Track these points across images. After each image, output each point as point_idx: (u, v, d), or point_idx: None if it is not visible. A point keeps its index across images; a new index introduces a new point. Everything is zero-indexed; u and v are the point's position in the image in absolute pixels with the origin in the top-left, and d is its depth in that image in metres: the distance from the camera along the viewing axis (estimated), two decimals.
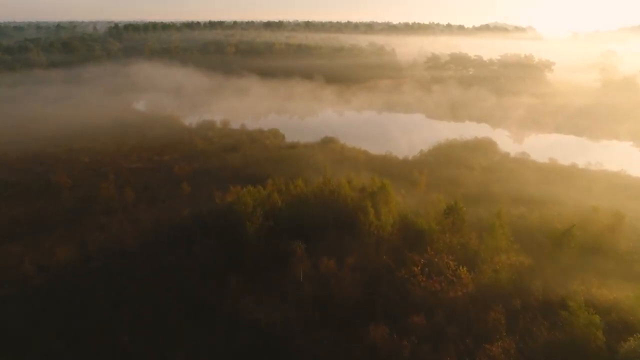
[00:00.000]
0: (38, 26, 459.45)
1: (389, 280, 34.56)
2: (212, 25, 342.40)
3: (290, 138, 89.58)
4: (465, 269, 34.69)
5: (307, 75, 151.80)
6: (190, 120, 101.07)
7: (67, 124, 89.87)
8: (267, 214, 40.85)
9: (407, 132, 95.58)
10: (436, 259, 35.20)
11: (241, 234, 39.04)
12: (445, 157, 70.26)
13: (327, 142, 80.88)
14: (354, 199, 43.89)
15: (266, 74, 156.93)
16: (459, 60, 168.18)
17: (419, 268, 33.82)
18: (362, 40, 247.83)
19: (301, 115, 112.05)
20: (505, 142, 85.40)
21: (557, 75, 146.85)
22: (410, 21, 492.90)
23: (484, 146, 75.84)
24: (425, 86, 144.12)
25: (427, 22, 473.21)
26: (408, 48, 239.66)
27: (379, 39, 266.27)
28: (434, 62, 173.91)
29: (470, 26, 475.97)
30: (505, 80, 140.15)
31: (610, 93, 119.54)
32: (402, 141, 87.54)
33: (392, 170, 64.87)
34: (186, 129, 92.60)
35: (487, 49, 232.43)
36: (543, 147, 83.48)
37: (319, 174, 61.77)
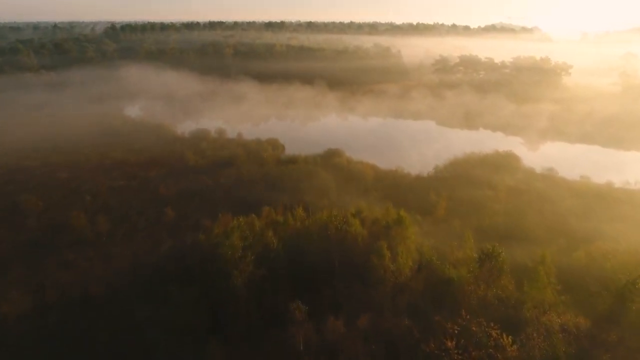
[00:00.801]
0: (36, 27, 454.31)
1: (413, 355, 27.25)
2: (212, 25, 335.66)
3: (290, 149, 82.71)
4: (509, 338, 27.36)
5: (309, 79, 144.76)
6: (183, 128, 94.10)
7: (48, 133, 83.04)
8: (260, 258, 33.62)
9: (417, 142, 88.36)
10: (473, 326, 27.83)
11: (228, 285, 31.85)
12: (464, 174, 62.90)
13: (331, 156, 73.69)
14: (365, 237, 36.66)
15: (265, 77, 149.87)
16: (468, 63, 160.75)
17: (453, 342, 26.45)
18: (366, 41, 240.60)
19: (302, 123, 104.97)
20: (528, 154, 78.06)
21: (575, 79, 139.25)
22: (414, 21, 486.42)
23: (505, 161, 68.46)
24: (435, 91, 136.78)
25: (431, 23, 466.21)
26: (414, 49, 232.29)
27: (384, 40, 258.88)
28: (442, 65, 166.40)
29: (476, 27, 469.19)
30: (520, 85, 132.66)
31: (634, 99, 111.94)
32: (413, 153, 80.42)
33: (404, 191, 57.69)
34: (178, 140, 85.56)
35: (497, 50, 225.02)
36: (570, 160, 76.26)
37: (322, 197, 54.89)
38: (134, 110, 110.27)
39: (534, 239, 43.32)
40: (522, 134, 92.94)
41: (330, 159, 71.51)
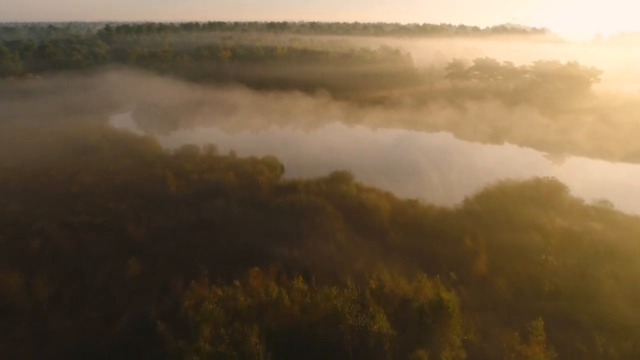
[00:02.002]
0: (32, 27, 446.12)
1: None
2: (211, 26, 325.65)
3: (291, 169, 72.41)
4: None
5: (312, 85, 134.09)
6: (169, 144, 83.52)
7: (7, 152, 72.54)
8: None
9: (437, 160, 77.34)
10: None
11: None
12: (501, 209, 51.95)
13: (338, 181, 62.96)
14: (392, 336, 25.86)
15: (264, 84, 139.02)
16: (485, 67, 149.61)
17: None
18: (373, 43, 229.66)
19: (304, 136, 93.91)
20: (568, 178, 66.86)
21: (603, 86, 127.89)
22: (419, 22, 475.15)
23: (549, 191, 57.36)
24: (450, 99, 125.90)
25: (437, 23, 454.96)
26: (423, 52, 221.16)
27: (391, 42, 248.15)
28: (456, 69, 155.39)
29: (483, 27, 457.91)
30: (546, 93, 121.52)
31: None
32: (433, 174, 69.54)
33: (430, 234, 46.85)
34: (161, 158, 74.91)
35: (511, 53, 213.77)
36: (620, 186, 65.15)
37: (328, 243, 44.19)
38: (114, 123, 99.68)
39: (618, 322, 32.22)
40: (556, 151, 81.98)
41: (337, 186, 60.74)
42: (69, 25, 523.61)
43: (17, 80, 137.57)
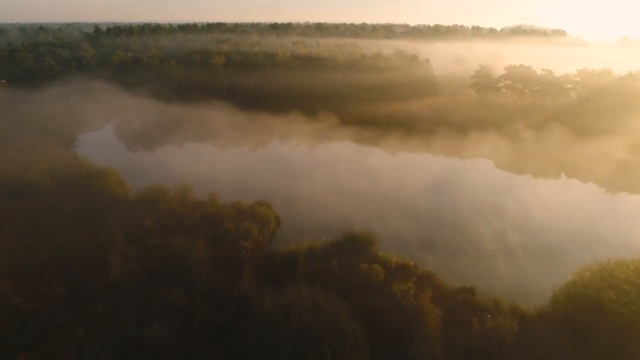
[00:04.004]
0: (23, 28, 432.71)
1: None
2: (209, 27, 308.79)
3: (288, 223, 54.86)
4: None
5: (317, 99, 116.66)
6: (134, 180, 66.14)
7: None
8: None
9: (493, 214, 58.81)
10: None
11: None
12: (608, 310, 33.80)
13: (353, 247, 45.33)
14: None
15: (260, 100, 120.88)
16: (518, 76, 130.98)
17: None
18: (385, 47, 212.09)
19: (307, 172, 74.22)
20: None
21: None
22: (427, 22, 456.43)
23: None
24: (480, 114, 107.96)
25: (449, 24, 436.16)
26: (440, 56, 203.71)
27: (404, 45, 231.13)
28: (483, 78, 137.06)
29: (499, 28, 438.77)
30: (598, 108, 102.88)
31: None
32: (489, 240, 51.18)
33: None
34: (118, 204, 57.39)
35: (538, 57, 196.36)
36: None
37: None
38: (72, 151, 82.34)
39: None
40: (635, 190, 63.79)
41: (354, 261, 42.98)
42: (66, 26, 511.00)
43: None
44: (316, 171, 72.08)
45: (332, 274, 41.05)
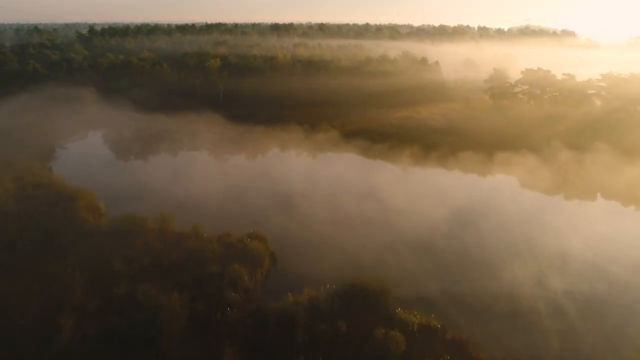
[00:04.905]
0: (19, 28, 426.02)
1: None
2: (208, 28, 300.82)
3: (285, 260, 46.88)
4: None
5: (320, 109, 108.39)
6: (110, 204, 58.15)
7: None
8: None
9: (520, 242, 50.63)
10: None
11: None
12: None
13: (362, 296, 37.25)
14: None
15: (257, 108, 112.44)
16: (536, 81, 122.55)
17: None
18: (390, 48, 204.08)
19: (307, 194, 63.72)
20: None
21: None
22: (430, 23, 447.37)
23: None
24: (500, 124, 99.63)
25: (454, 25, 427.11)
26: (448, 58, 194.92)
27: (410, 46, 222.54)
28: (498, 82, 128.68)
29: (506, 29, 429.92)
30: (630, 118, 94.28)
31: None
32: (524, 279, 42.86)
33: None
34: (85, 240, 49.23)
35: (551, 59, 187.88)
36: None
37: None
38: (47, 166, 74.34)
39: None
40: None
41: (362, 316, 34.86)
42: (65, 27, 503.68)
43: None
44: (317, 194, 63.57)
45: (339, 341, 32.81)
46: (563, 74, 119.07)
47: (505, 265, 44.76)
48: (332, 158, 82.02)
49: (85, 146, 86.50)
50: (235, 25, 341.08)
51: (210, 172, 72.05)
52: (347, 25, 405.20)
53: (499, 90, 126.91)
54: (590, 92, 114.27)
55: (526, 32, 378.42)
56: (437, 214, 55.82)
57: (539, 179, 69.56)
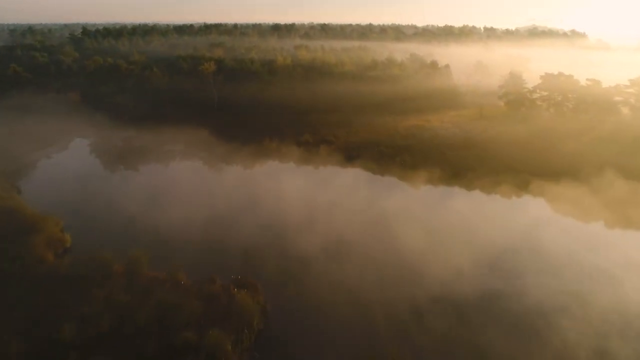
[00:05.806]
0: (14, 29, 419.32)
1: None
2: (207, 28, 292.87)
3: (278, 313, 38.84)
4: None
5: (322, 115, 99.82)
6: (78, 234, 49.93)
7: None
8: None
9: (574, 294, 42.06)
10: None
11: None
12: None
13: None
14: None
15: (252, 117, 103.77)
16: (556, 86, 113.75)
17: None
18: (396, 50, 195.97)
19: (306, 223, 54.45)
20: None
21: None
22: (433, 23, 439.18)
23: None
24: (520, 135, 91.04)
25: (460, 25, 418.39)
26: (457, 61, 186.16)
27: (417, 48, 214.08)
28: (513, 88, 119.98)
29: (514, 29, 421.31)
30: None
31: None
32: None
33: None
34: (36, 289, 40.87)
35: (565, 62, 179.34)
36: None
37: None
38: (13, 189, 65.90)
39: None
40: None
41: None
42: (63, 27, 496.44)
43: None
44: (319, 224, 54.89)
45: None
46: (587, 79, 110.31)
47: (559, 326, 36.11)
48: (336, 177, 73.39)
49: (58, 163, 78.14)
50: (235, 26, 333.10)
51: (196, 197, 63.45)
52: (350, 25, 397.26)
53: (515, 97, 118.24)
54: (617, 99, 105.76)
55: (535, 33, 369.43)
56: (459, 248, 47.20)
57: (573, 203, 60.76)
